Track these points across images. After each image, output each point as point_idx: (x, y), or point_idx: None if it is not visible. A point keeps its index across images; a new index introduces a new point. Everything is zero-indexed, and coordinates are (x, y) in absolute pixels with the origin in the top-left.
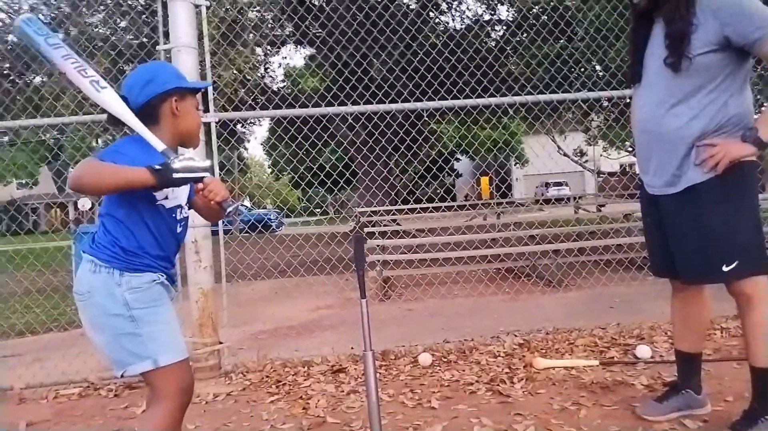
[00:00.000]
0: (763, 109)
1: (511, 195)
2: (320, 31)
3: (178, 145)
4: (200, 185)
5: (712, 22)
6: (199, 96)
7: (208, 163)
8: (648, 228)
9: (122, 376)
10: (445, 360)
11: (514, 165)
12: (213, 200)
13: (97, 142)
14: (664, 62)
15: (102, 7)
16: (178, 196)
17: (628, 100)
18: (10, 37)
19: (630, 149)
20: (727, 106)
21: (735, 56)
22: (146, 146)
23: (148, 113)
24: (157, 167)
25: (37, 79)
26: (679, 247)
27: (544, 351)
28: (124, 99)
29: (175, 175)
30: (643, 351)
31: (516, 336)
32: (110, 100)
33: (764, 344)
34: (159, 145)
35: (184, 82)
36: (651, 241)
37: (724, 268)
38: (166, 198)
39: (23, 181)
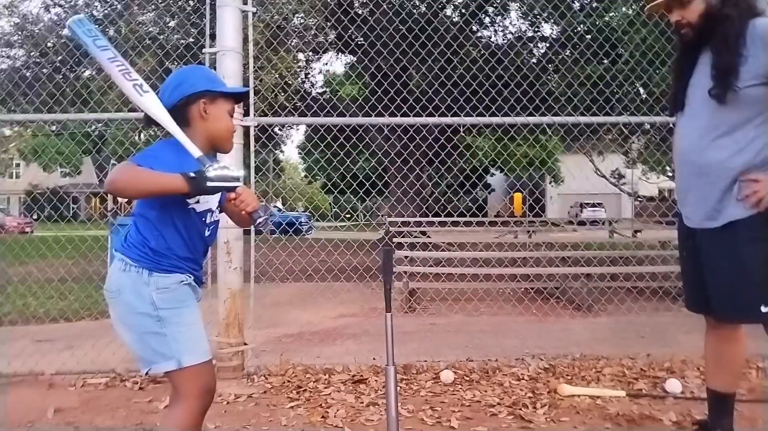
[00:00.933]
0: None
1: (545, 214)
2: (362, 40)
3: (211, 149)
4: (232, 194)
5: (763, 55)
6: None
7: (241, 172)
8: (684, 261)
9: (147, 374)
10: (468, 379)
11: (549, 184)
12: (244, 210)
13: (139, 138)
14: (709, 93)
15: (152, 7)
16: (209, 200)
17: (671, 126)
18: (65, 32)
19: (670, 174)
20: None
21: None
22: (182, 151)
23: (178, 115)
24: (192, 175)
25: (87, 73)
26: (716, 284)
27: (569, 377)
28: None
29: (209, 184)
30: (673, 385)
31: (541, 359)
32: (151, 104)
33: None
34: (195, 152)
35: (215, 86)
36: (686, 275)
37: (763, 309)
38: (198, 202)
39: (67, 170)
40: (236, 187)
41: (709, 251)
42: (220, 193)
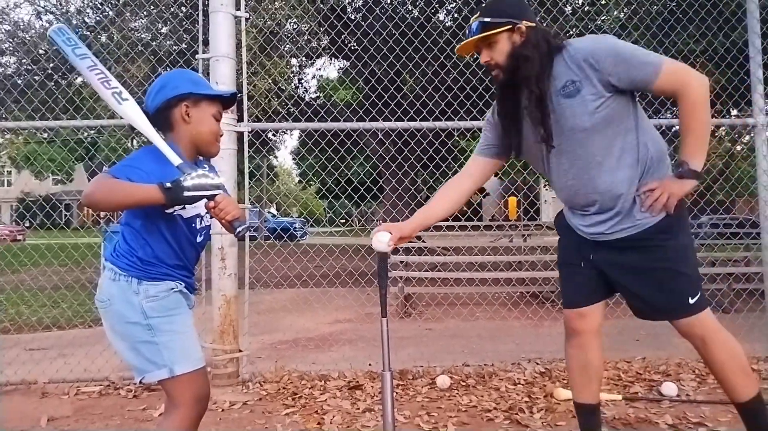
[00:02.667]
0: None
1: (540, 218)
2: (355, 45)
3: (196, 153)
4: (212, 203)
5: (594, 73)
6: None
7: (220, 180)
8: (573, 268)
9: (140, 382)
10: (464, 384)
11: (544, 187)
12: (224, 219)
13: (132, 144)
14: (572, 126)
15: (145, 13)
16: (197, 205)
17: (664, 128)
18: None
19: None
20: (647, 146)
21: (628, 95)
22: (163, 158)
23: (161, 119)
24: (168, 185)
25: (79, 80)
26: (642, 288)
27: (565, 381)
28: (146, 110)
29: (186, 193)
30: (669, 388)
31: (537, 364)
32: (131, 112)
33: (737, 375)
34: (175, 159)
35: (198, 88)
36: (572, 277)
37: (690, 301)
38: (183, 208)
39: (59, 178)
40: (216, 195)
41: (626, 259)
42: None
